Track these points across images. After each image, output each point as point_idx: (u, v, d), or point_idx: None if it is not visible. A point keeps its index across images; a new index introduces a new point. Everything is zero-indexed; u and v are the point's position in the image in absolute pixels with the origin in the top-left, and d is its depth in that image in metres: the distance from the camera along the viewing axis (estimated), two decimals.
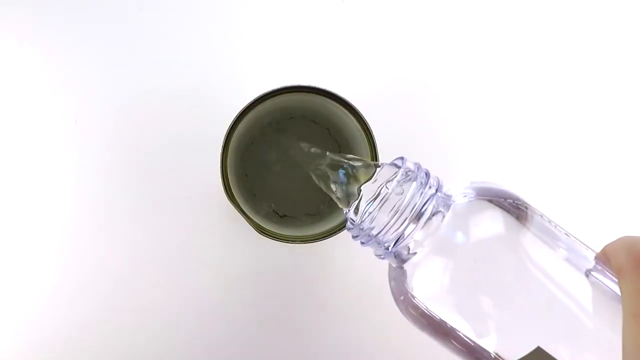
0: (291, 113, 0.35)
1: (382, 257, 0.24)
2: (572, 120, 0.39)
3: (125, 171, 0.37)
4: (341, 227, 0.30)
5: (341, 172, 0.26)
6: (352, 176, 0.26)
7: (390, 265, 0.24)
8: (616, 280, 0.19)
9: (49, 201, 0.37)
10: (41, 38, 0.38)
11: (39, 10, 0.38)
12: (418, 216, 0.22)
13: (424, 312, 0.22)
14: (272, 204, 0.36)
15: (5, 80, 0.37)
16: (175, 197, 0.37)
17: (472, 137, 0.39)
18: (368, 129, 0.31)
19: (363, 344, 0.38)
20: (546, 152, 0.39)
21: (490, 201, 0.23)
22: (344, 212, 0.26)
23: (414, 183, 0.23)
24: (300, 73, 0.39)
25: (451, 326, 0.22)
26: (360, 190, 0.25)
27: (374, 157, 0.31)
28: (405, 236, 0.22)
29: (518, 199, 0.23)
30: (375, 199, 0.23)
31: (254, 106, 0.30)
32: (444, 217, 0.23)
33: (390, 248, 0.23)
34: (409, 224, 0.22)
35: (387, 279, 0.25)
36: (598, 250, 0.21)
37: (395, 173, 0.23)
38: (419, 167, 0.24)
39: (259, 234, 0.31)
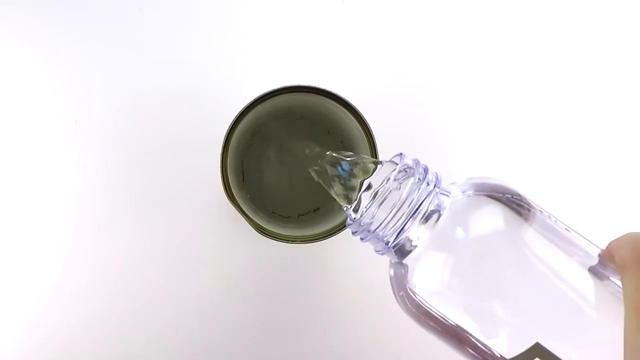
0: (291, 113, 0.35)
1: (381, 252, 0.24)
2: (572, 119, 0.39)
3: (125, 171, 0.37)
4: (341, 227, 0.30)
5: (342, 169, 0.27)
6: (352, 173, 0.26)
7: (390, 262, 0.24)
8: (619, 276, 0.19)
9: (49, 201, 0.37)
10: (41, 38, 0.38)
11: (39, 10, 0.38)
12: (416, 211, 0.22)
13: (423, 307, 0.22)
14: (272, 204, 0.36)
15: (5, 80, 0.37)
16: (175, 197, 0.37)
17: (472, 137, 0.39)
18: (368, 129, 0.31)
19: (363, 344, 0.38)
20: (547, 152, 0.39)
21: (489, 196, 0.23)
22: (345, 208, 0.26)
23: (412, 178, 0.23)
24: (300, 73, 0.39)
25: (450, 321, 0.22)
26: (361, 187, 0.25)
27: (374, 156, 0.31)
28: (403, 231, 0.23)
29: (517, 194, 0.23)
30: (375, 194, 0.23)
31: (254, 106, 0.30)
32: (443, 212, 0.23)
33: (389, 243, 0.23)
34: (407, 218, 0.22)
35: (387, 279, 0.25)
36: (603, 246, 0.21)
37: (394, 169, 0.24)
38: (417, 162, 0.24)
39: (259, 234, 0.31)
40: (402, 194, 0.22)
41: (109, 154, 0.37)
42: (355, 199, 0.25)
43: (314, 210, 0.37)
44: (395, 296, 0.24)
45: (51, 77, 0.38)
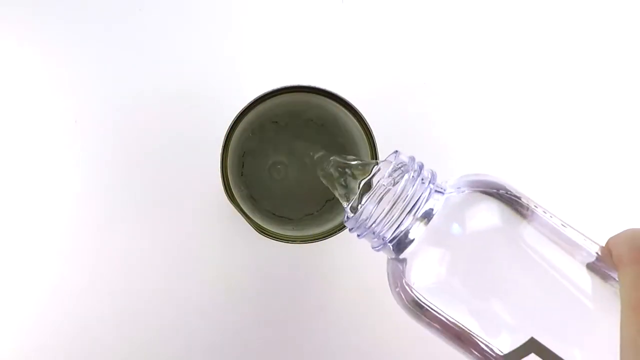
0: (291, 113, 0.35)
1: (377, 249, 0.24)
2: (571, 118, 0.39)
3: (125, 171, 0.37)
4: (341, 227, 0.30)
5: (343, 171, 0.27)
6: (353, 174, 0.27)
7: (387, 258, 0.25)
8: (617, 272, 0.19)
9: (48, 201, 0.37)
10: (41, 38, 0.38)
11: (39, 10, 0.38)
12: (412, 207, 0.23)
13: (419, 302, 0.22)
14: (272, 204, 0.36)
15: (5, 80, 0.37)
16: (175, 197, 0.37)
17: (472, 137, 0.39)
18: (368, 129, 0.31)
19: (363, 344, 0.38)
20: (547, 151, 0.39)
21: (484, 192, 0.23)
22: (345, 207, 0.26)
23: (406, 175, 0.23)
24: (300, 73, 0.39)
25: (446, 316, 0.22)
26: (360, 186, 0.25)
27: (374, 156, 0.31)
28: (399, 226, 0.23)
29: (512, 190, 0.23)
30: (372, 192, 0.24)
31: (254, 106, 0.30)
32: (438, 208, 0.23)
33: (385, 239, 0.23)
34: (401, 214, 0.23)
35: (387, 279, 0.25)
36: (600, 243, 0.21)
37: (389, 166, 0.24)
38: (412, 159, 0.24)
39: (259, 234, 0.31)
40: (396, 190, 0.23)
41: (109, 154, 0.37)
42: (355, 198, 0.25)
43: (314, 210, 0.37)
44: (392, 292, 0.24)
45: (51, 77, 0.38)
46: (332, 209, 0.35)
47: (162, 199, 0.37)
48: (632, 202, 0.39)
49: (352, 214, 0.25)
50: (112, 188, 0.37)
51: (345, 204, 0.27)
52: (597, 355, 0.20)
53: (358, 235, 0.24)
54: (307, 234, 0.31)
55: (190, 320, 0.37)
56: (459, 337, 0.22)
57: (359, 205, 0.24)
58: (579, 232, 0.22)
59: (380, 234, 0.23)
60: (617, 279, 0.19)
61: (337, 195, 0.28)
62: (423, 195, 0.23)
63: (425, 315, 0.22)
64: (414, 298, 0.22)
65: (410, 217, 0.23)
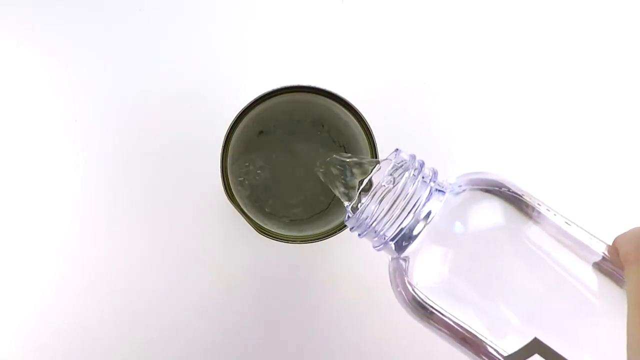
0: (291, 113, 0.35)
1: (378, 248, 0.24)
2: (571, 117, 0.39)
3: (125, 171, 0.37)
4: (341, 227, 0.30)
5: (344, 170, 0.27)
6: (353, 173, 0.27)
7: (389, 258, 0.25)
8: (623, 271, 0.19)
9: (48, 201, 0.37)
10: (41, 38, 0.38)
11: (39, 10, 0.38)
12: (413, 205, 0.23)
13: (421, 302, 0.22)
14: (272, 204, 0.36)
15: (5, 80, 0.37)
16: (175, 197, 0.37)
17: (472, 137, 0.39)
18: (368, 129, 0.31)
19: (363, 344, 0.38)
20: (547, 150, 0.39)
21: (486, 190, 0.23)
22: (345, 206, 0.26)
23: (407, 173, 0.23)
24: (300, 73, 0.39)
25: (448, 315, 0.22)
26: (361, 185, 0.25)
27: (374, 156, 0.31)
28: (400, 225, 0.23)
29: (514, 188, 0.23)
30: (372, 190, 0.23)
31: (254, 106, 0.30)
32: (440, 206, 0.23)
33: (386, 238, 0.23)
34: (402, 212, 0.23)
35: (387, 279, 0.25)
36: (606, 240, 0.21)
37: (390, 165, 0.24)
38: (413, 157, 0.24)
39: (259, 234, 0.31)
40: (397, 188, 0.23)
41: (109, 153, 0.37)
42: (355, 197, 0.25)
43: (315, 210, 0.37)
44: (394, 291, 0.24)
45: (51, 77, 0.38)
46: (332, 209, 0.35)
47: (162, 199, 0.37)
48: (638, 199, 0.39)
49: (352, 213, 0.25)
50: (112, 188, 0.37)
51: (346, 203, 0.26)
52: (603, 356, 0.20)
53: (359, 235, 0.24)
54: (307, 234, 0.31)
55: (190, 320, 0.37)
56: (460, 335, 0.22)
57: (360, 204, 0.24)
58: (584, 230, 0.22)
59: (381, 232, 0.23)
60: (623, 278, 0.19)
61: (337, 194, 0.28)
62: (424, 194, 0.23)
63: (426, 314, 0.22)
64: (415, 297, 0.22)
65: (411, 216, 0.23)
